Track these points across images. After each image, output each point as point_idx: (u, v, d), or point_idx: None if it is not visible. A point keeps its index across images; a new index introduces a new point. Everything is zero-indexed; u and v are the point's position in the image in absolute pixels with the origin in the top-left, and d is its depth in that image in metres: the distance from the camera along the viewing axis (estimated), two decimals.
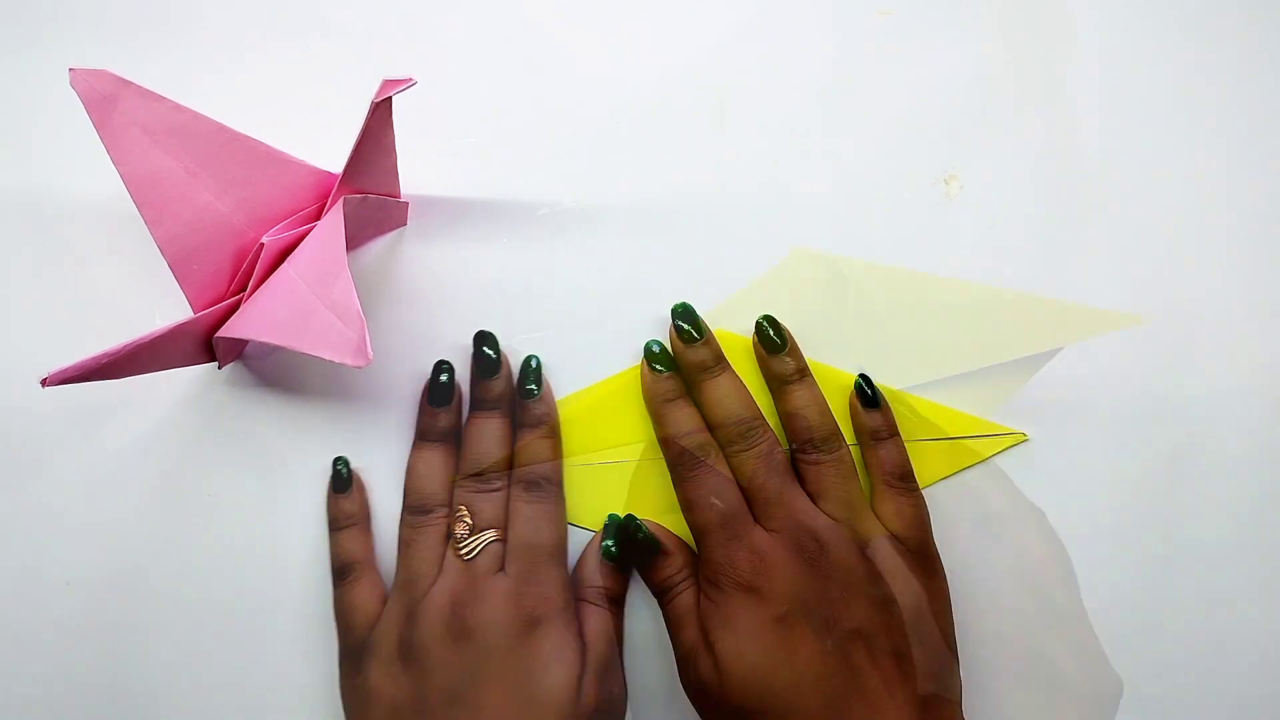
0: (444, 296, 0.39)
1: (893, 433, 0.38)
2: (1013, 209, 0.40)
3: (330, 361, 0.29)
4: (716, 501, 0.35)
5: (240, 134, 0.33)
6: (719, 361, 0.38)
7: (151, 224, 0.32)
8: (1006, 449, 0.39)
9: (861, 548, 0.35)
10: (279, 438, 0.39)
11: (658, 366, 0.38)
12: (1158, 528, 0.39)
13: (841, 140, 0.41)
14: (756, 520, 0.35)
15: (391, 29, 0.41)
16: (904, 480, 0.37)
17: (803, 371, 0.38)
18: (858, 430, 0.38)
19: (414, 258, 0.40)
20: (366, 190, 0.36)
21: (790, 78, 0.41)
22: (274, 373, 0.39)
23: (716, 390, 0.37)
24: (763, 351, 0.38)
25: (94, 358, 0.30)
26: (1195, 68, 0.41)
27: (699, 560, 0.36)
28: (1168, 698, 0.38)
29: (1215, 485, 0.39)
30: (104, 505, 0.38)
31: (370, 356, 0.29)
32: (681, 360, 0.38)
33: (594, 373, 0.39)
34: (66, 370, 0.30)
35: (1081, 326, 0.39)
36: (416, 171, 0.39)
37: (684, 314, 0.38)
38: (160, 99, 0.32)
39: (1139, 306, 0.40)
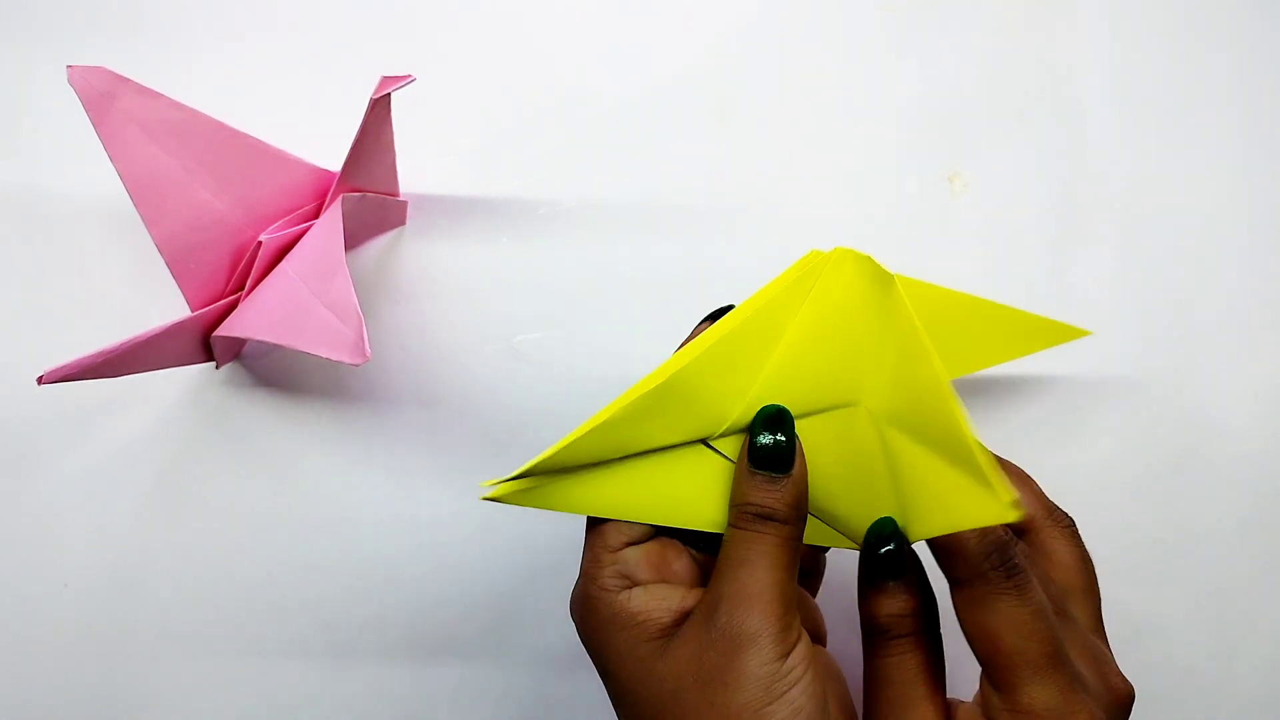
0: (443, 296, 0.39)
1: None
2: (1017, 207, 0.40)
3: (328, 360, 0.29)
4: (1051, 628, 0.24)
5: (239, 132, 0.33)
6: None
7: (149, 222, 0.32)
8: (1067, 341, 0.36)
9: None
10: (277, 437, 0.39)
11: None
12: (1159, 530, 0.39)
13: (844, 138, 0.41)
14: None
15: (391, 26, 0.41)
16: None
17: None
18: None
19: (413, 257, 0.40)
20: (365, 189, 0.35)
21: (792, 76, 0.41)
22: (272, 372, 0.39)
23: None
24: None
25: (91, 356, 0.30)
26: (1200, 65, 0.41)
27: (1000, 692, 0.25)
28: (1168, 699, 0.38)
29: (1217, 487, 0.39)
30: (101, 505, 0.38)
31: (368, 354, 0.28)
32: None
33: (595, 373, 0.39)
34: (63, 368, 0.30)
35: (1044, 337, 0.36)
36: (415, 170, 0.39)
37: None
38: (158, 96, 0.31)
39: (1142, 304, 0.40)
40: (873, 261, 0.28)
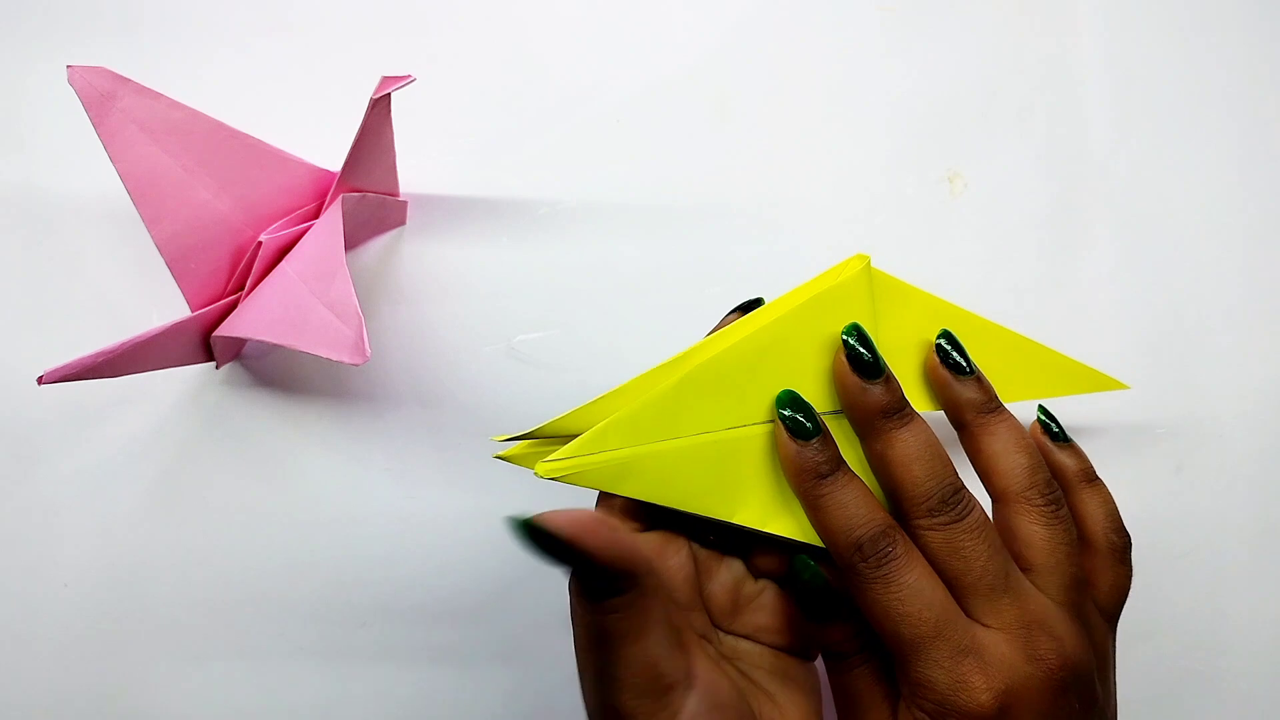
0: (443, 295, 0.39)
1: (1094, 476, 0.31)
2: (1017, 207, 0.40)
3: (328, 360, 0.29)
4: (925, 607, 0.25)
5: (238, 132, 0.33)
6: (903, 405, 0.28)
7: (149, 222, 0.32)
8: (1103, 391, 0.36)
9: (1100, 655, 0.28)
10: (277, 437, 0.39)
11: (803, 435, 0.27)
12: (1158, 530, 0.39)
13: (844, 138, 0.41)
14: (970, 615, 0.26)
15: (391, 26, 0.41)
16: (1121, 540, 0.30)
17: (996, 402, 0.29)
18: (1056, 473, 0.31)
19: (413, 257, 0.40)
20: (365, 188, 0.35)
21: (791, 75, 0.41)
22: (272, 372, 0.39)
23: (908, 446, 0.27)
24: (946, 375, 0.30)
25: (91, 356, 0.30)
26: (1200, 64, 0.41)
27: (900, 678, 0.26)
28: (1168, 699, 0.38)
29: (1217, 487, 0.39)
30: (101, 505, 0.38)
31: (368, 354, 0.28)
32: (856, 406, 0.28)
33: (595, 373, 0.39)
34: (63, 368, 0.30)
35: (1081, 384, 0.35)
36: (415, 170, 0.39)
37: (860, 338, 0.28)
38: (158, 96, 0.31)
39: (1142, 304, 0.40)
40: (883, 277, 0.29)
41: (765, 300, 0.30)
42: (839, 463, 0.27)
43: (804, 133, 0.41)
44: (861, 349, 0.28)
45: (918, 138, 0.41)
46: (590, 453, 0.26)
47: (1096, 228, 0.40)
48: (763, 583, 0.30)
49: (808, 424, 0.27)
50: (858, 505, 0.27)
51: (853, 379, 0.28)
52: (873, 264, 0.30)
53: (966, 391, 0.29)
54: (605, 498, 0.29)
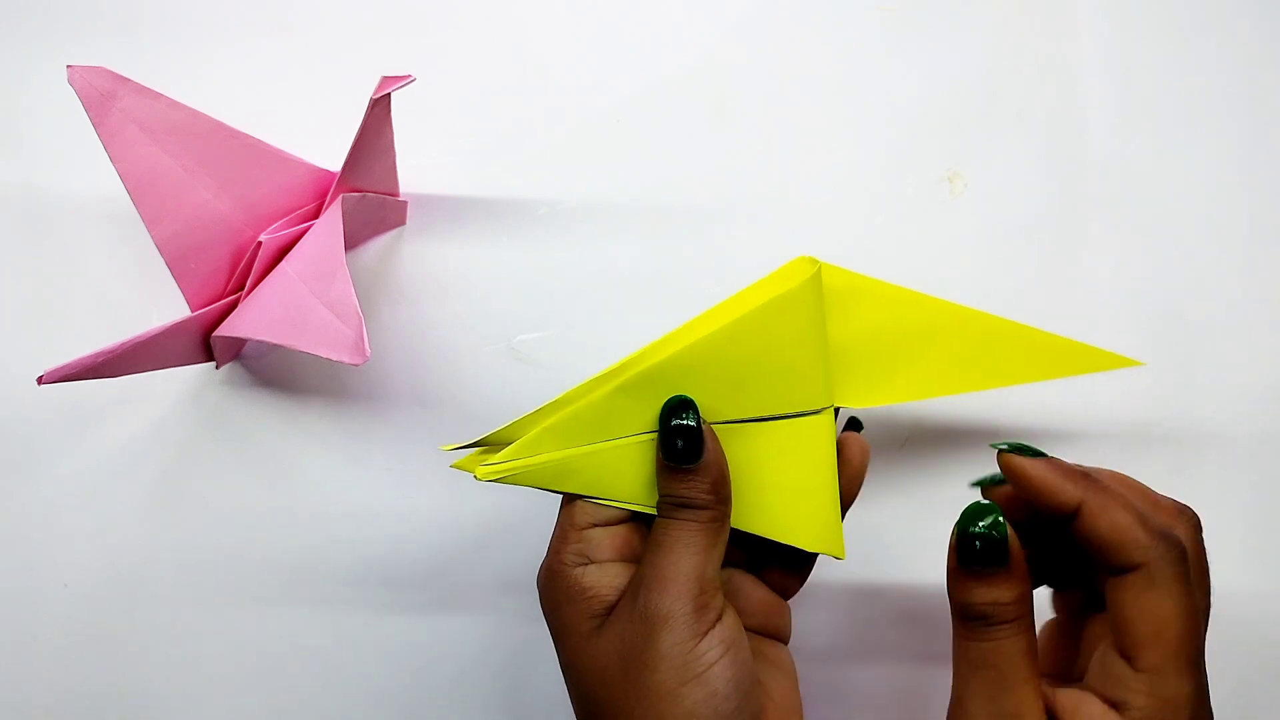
0: (443, 295, 0.39)
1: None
2: (1017, 207, 0.40)
3: (328, 360, 0.29)
4: (1199, 626, 0.25)
5: (238, 132, 0.33)
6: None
7: (149, 222, 0.32)
8: (1116, 369, 0.35)
9: None
10: (277, 437, 0.39)
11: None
12: None
13: (844, 138, 0.41)
14: None
15: (391, 26, 0.41)
16: None
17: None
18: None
19: (413, 257, 0.40)
20: (365, 188, 0.35)
21: (791, 75, 0.41)
22: (271, 372, 0.39)
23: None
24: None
25: (91, 356, 0.30)
26: (1200, 65, 0.41)
27: (1150, 679, 0.25)
28: None
29: (1217, 487, 0.39)
30: (101, 505, 0.38)
31: (368, 354, 0.28)
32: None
33: (594, 373, 0.39)
34: (63, 368, 0.30)
35: (1087, 364, 0.35)
36: (415, 170, 0.39)
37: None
38: (158, 96, 0.31)
39: (1142, 304, 0.40)
40: (835, 270, 0.29)
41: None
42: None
43: (804, 133, 0.41)
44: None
45: (918, 138, 0.41)
46: (526, 456, 0.27)
47: (1096, 228, 0.40)
48: (728, 570, 0.31)
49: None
50: None
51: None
52: (841, 262, 0.31)
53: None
54: (567, 501, 0.29)
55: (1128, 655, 0.25)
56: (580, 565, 0.28)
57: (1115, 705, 0.25)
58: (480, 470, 0.27)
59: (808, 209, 0.40)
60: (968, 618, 0.26)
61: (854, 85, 0.41)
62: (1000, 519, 0.25)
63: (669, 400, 0.28)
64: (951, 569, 0.26)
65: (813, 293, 0.29)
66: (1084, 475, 0.27)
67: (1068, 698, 0.25)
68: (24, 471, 0.38)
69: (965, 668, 0.26)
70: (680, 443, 0.27)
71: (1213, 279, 0.40)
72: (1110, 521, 0.25)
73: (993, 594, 0.25)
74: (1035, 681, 0.25)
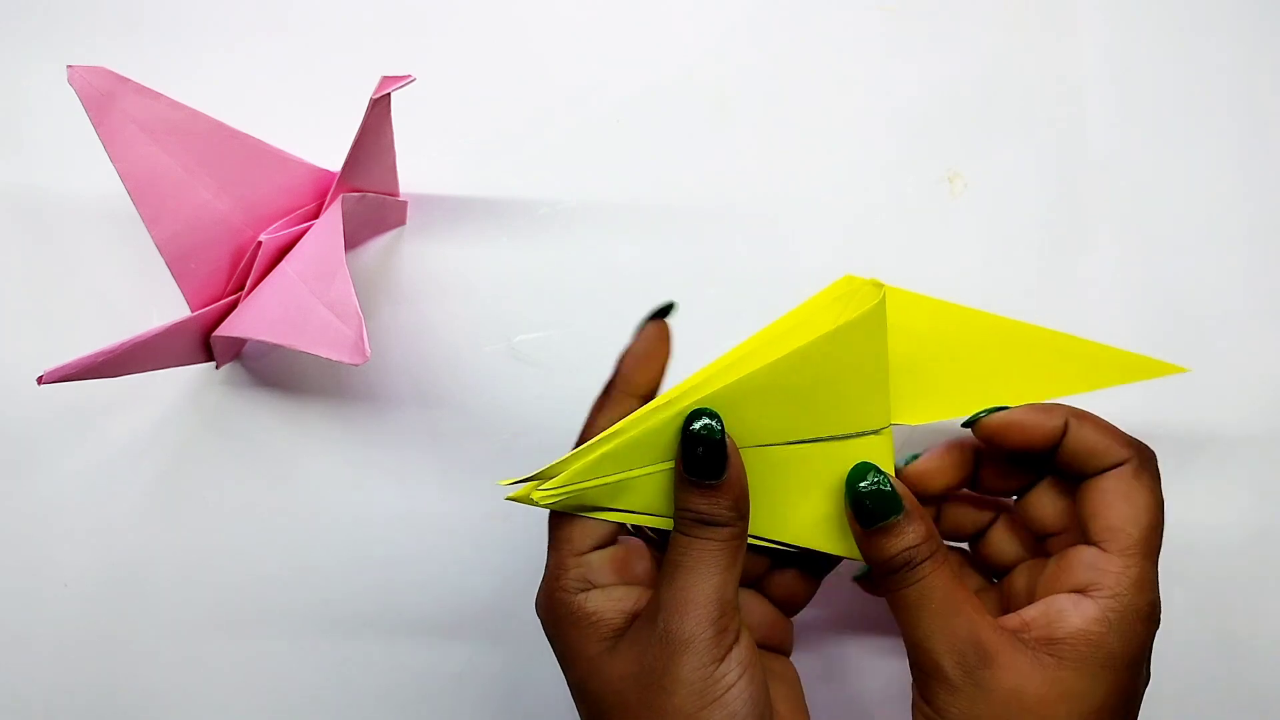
0: (443, 296, 0.39)
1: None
2: (1017, 207, 0.40)
3: (328, 360, 0.29)
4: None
5: (238, 132, 0.33)
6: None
7: (149, 222, 0.32)
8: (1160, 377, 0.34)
9: None
10: (277, 437, 0.39)
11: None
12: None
13: (844, 138, 0.41)
14: None
15: (391, 26, 0.41)
16: None
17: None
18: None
19: (413, 257, 0.40)
20: (365, 188, 0.35)
21: (791, 75, 0.41)
22: (272, 372, 0.39)
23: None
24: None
25: (91, 356, 0.30)
26: (1200, 65, 0.41)
27: (1124, 559, 0.27)
28: (1168, 700, 0.38)
29: (1218, 487, 0.39)
30: (101, 505, 0.38)
31: (368, 354, 0.28)
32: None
33: (595, 373, 0.39)
34: (63, 368, 0.30)
35: (1136, 372, 0.34)
36: (416, 170, 0.39)
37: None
38: (158, 96, 0.31)
39: (1142, 304, 0.40)
40: (884, 287, 0.29)
41: (675, 305, 0.31)
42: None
43: (804, 133, 0.41)
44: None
45: (918, 138, 0.41)
46: (582, 479, 0.28)
47: (1097, 228, 0.40)
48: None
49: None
50: None
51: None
52: (880, 279, 0.30)
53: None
54: (561, 524, 0.29)
55: (1100, 542, 0.27)
56: (583, 591, 0.28)
57: (1083, 590, 0.27)
58: (538, 494, 0.27)
59: (807, 209, 0.40)
60: (892, 571, 0.27)
61: (854, 85, 0.41)
62: (878, 471, 0.28)
63: (694, 412, 0.27)
64: (858, 535, 0.28)
65: (878, 320, 0.29)
66: (1057, 405, 0.29)
67: (1032, 609, 0.27)
68: (24, 471, 0.38)
69: (909, 615, 0.27)
70: (701, 450, 0.27)
71: (1213, 279, 0.40)
72: (1094, 430, 0.28)
73: (903, 540, 0.27)
74: (974, 599, 0.27)
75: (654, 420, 0.27)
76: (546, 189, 0.40)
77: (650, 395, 0.30)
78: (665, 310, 0.30)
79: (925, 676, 0.26)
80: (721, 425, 0.27)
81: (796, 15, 0.41)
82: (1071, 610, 0.26)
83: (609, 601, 0.27)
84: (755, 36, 0.41)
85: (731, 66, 0.41)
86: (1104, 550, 0.27)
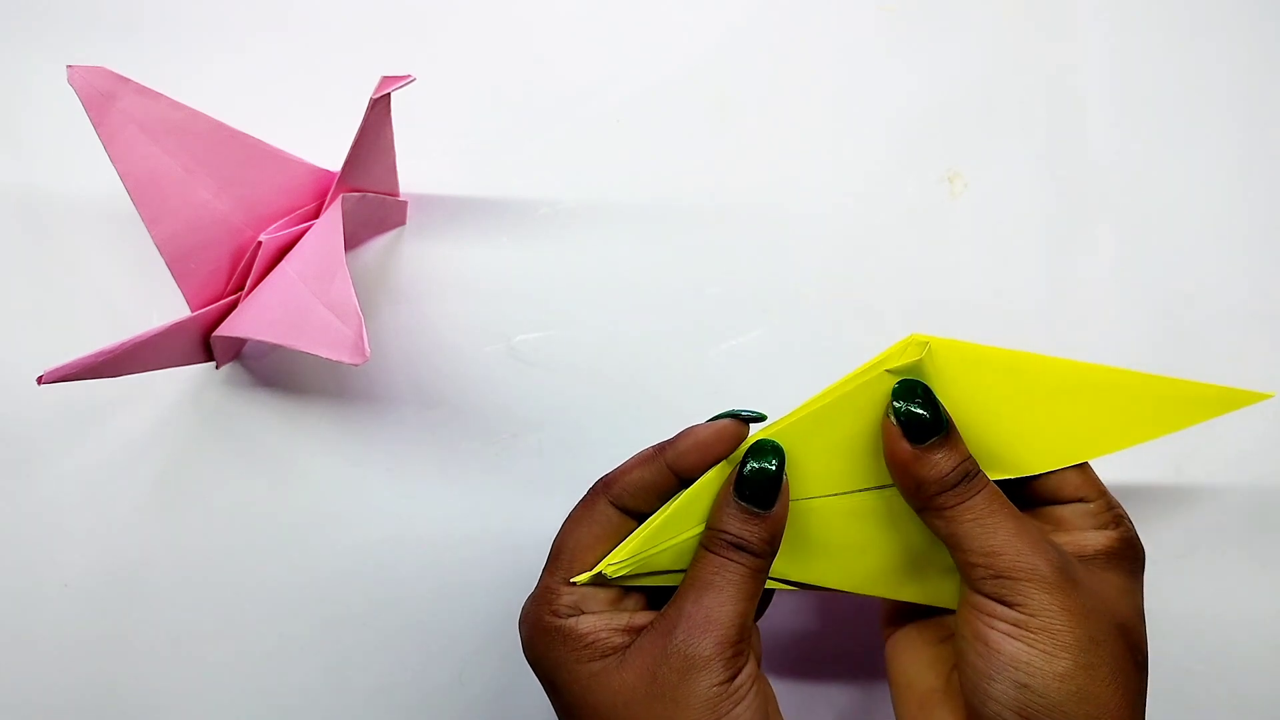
0: (443, 296, 0.39)
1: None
2: (1017, 207, 0.40)
3: (328, 360, 0.29)
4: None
5: (238, 132, 0.33)
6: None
7: (149, 222, 0.32)
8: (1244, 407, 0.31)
9: None
10: (277, 437, 0.39)
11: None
12: (1159, 531, 0.39)
13: (844, 138, 0.41)
14: None
15: (391, 26, 0.41)
16: None
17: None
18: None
19: (413, 257, 0.40)
20: (365, 188, 0.35)
21: (791, 75, 0.41)
22: (272, 372, 0.39)
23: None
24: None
25: (91, 356, 0.30)
26: (1200, 65, 0.41)
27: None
28: (1168, 700, 0.38)
29: (1217, 486, 0.39)
30: (101, 505, 0.38)
31: (367, 354, 0.28)
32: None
33: (594, 373, 0.39)
34: (63, 368, 0.30)
35: (1213, 406, 0.32)
36: (416, 170, 0.39)
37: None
38: (158, 96, 0.31)
39: (1142, 304, 0.40)
40: (948, 344, 0.29)
41: (764, 417, 0.30)
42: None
43: (804, 133, 0.41)
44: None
45: (918, 138, 0.41)
46: (649, 547, 0.29)
47: (1097, 228, 0.40)
48: None
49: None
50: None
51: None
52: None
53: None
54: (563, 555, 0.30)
55: (1083, 498, 0.30)
56: (572, 616, 0.28)
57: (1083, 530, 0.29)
58: (608, 567, 0.28)
59: (807, 209, 0.40)
60: (950, 486, 0.27)
61: (854, 85, 0.41)
62: (926, 387, 0.28)
63: (759, 441, 0.28)
64: (907, 458, 0.28)
65: (913, 369, 0.28)
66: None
67: (1054, 537, 0.29)
68: (24, 471, 0.38)
69: (977, 527, 0.27)
70: (759, 478, 0.28)
71: (1213, 279, 0.40)
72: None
73: (960, 451, 0.28)
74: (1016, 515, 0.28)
75: (707, 477, 0.29)
76: (546, 189, 0.40)
77: (689, 479, 0.30)
78: (751, 418, 0.30)
79: (1010, 581, 0.26)
80: (782, 461, 0.28)
81: (796, 15, 0.41)
82: (1090, 537, 0.29)
83: (600, 623, 0.28)
84: (755, 36, 0.41)
85: (731, 66, 0.41)
86: (1086, 501, 0.30)
